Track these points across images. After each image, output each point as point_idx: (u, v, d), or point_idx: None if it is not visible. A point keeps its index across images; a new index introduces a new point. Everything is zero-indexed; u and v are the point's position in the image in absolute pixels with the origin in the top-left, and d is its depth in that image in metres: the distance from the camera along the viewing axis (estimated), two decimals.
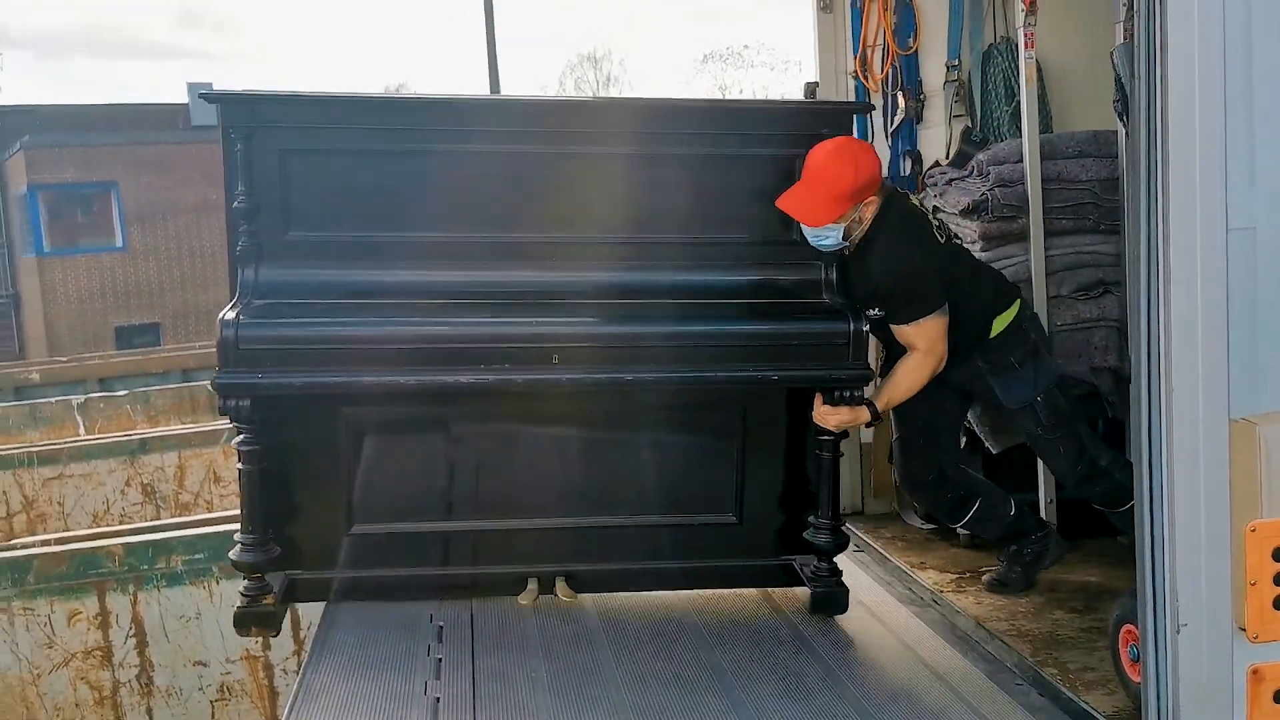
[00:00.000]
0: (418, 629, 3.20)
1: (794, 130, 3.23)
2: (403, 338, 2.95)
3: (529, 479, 3.35)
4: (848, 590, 3.41)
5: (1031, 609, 3.56)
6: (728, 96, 33.31)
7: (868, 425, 3.39)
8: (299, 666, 4.43)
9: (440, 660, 2.98)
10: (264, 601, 3.12)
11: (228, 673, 4.40)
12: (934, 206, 4.31)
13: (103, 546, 4.33)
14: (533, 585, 3.33)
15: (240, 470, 3.08)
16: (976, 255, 4.03)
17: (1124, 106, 3.36)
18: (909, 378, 3.26)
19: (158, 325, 29.43)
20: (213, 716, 4.39)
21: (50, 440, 8.11)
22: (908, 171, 4.56)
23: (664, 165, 3.23)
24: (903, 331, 3.24)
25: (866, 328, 3.16)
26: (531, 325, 2.98)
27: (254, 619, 3.13)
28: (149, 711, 4.34)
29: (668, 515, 3.39)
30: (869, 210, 3.19)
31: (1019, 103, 3.92)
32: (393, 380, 2.96)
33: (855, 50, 4.55)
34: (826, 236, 3.17)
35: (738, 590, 3.55)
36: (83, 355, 17.79)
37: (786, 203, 3.14)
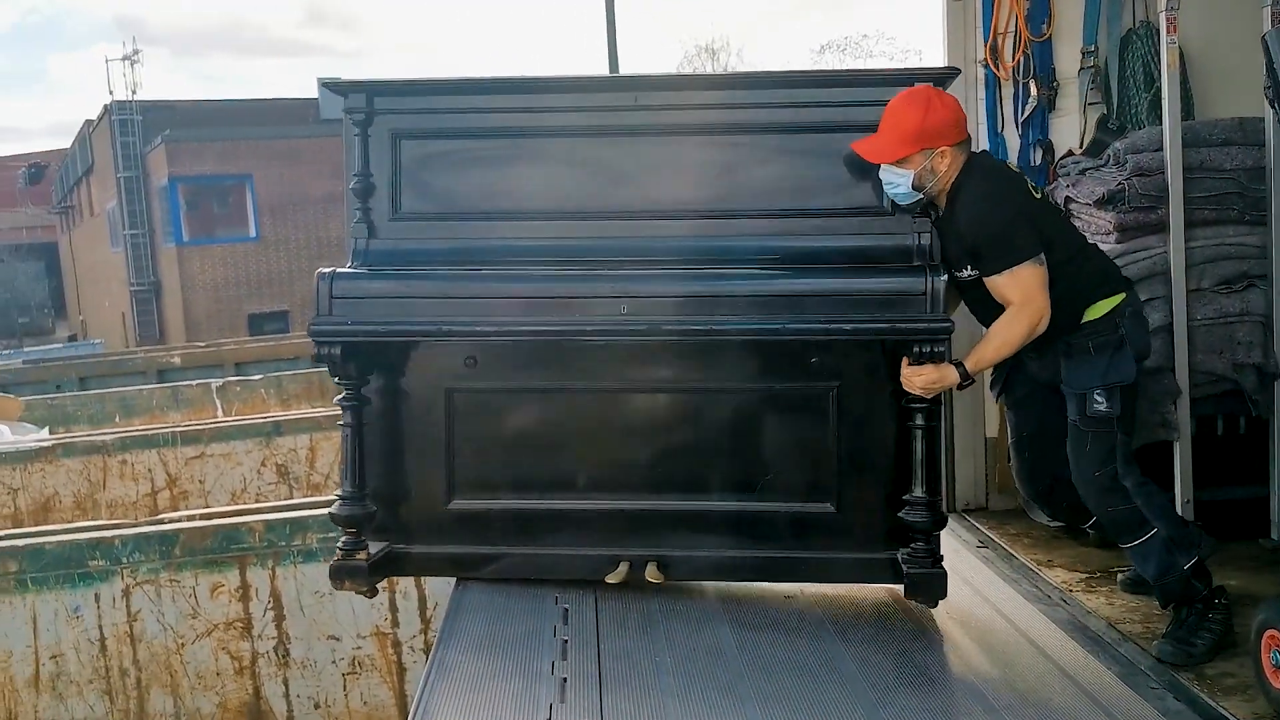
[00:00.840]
0: (543, 611, 3.27)
1: (884, 98, 3.13)
2: (484, 292, 3.07)
3: (623, 460, 3.36)
4: (945, 575, 3.23)
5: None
6: None
7: (959, 387, 3.18)
8: (426, 645, 4.58)
9: (566, 642, 3.04)
10: (358, 557, 3.24)
11: (359, 647, 4.55)
12: (1066, 197, 4.21)
13: (244, 523, 4.53)
14: (623, 566, 3.31)
15: (341, 425, 3.23)
16: (1110, 247, 3.93)
17: (1275, 93, 3.24)
18: (1002, 332, 3.10)
19: (287, 313, 30.47)
20: (344, 689, 4.56)
21: (191, 421, 8.49)
22: (1039, 161, 4.46)
23: (759, 137, 3.26)
24: (995, 284, 3.09)
25: (944, 278, 3.04)
26: (607, 281, 3.05)
27: (348, 573, 3.25)
28: (285, 682, 4.53)
29: (762, 502, 3.32)
30: (943, 162, 3.08)
31: (1159, 89, 3.80)
32: (471, 330, 3.07)
33: (986, 38, 4.46)
34: (896, 184, 3.10)
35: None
36: (219, 341, 18.53)
37: (860, 144, 3.11)
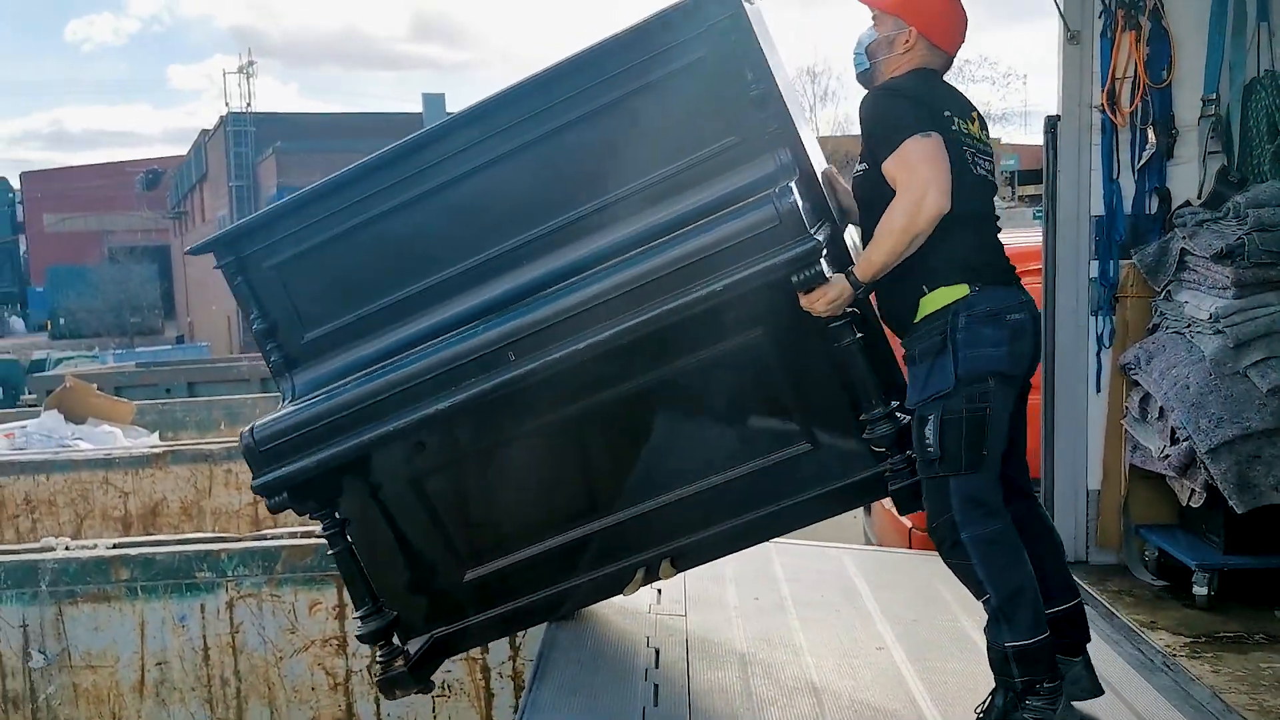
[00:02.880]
0: (635, 650, 3.29)
1: (669, 45, 2.96)
2: (400, 381, 3.02)
3: (600, 477, 3.30)
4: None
5: (1276, 681, 3.35)
6: None
7: (859, 295, 2.85)
8: (515, 672, 4.63)
9: (657, 687, 3.05)
10: (396, 665, 3.25)
11: (448, 670, 4.61)
12: (1181, 249, 4.11)
13: None
14: (638, 575, 3.25)
15: (330, 553, 3.27)
16: (1227, 302, 3.82)
17: None
18: (884, 222, 2.77)
19: None
20: (433, 711, 4.62)
21: None
22: (1154, 210, 4.36)
23: (574, 133, 3.08)
24: (886, 170, 2.80)
25: (792, 198, 2.78)
26: (488, 330, 2.98)
27: (395, 683, 3.26)
28: (376, 700, 4.61)
29: (745, 464, 3.17)
30: (902, 42, 2.93)
31: None
32: (400, 427, 3.02)
33: (1104, 83, 4.38)
34: (860, 43, 3.01)
35: (947, 635, 3.48)
36: None
37: None
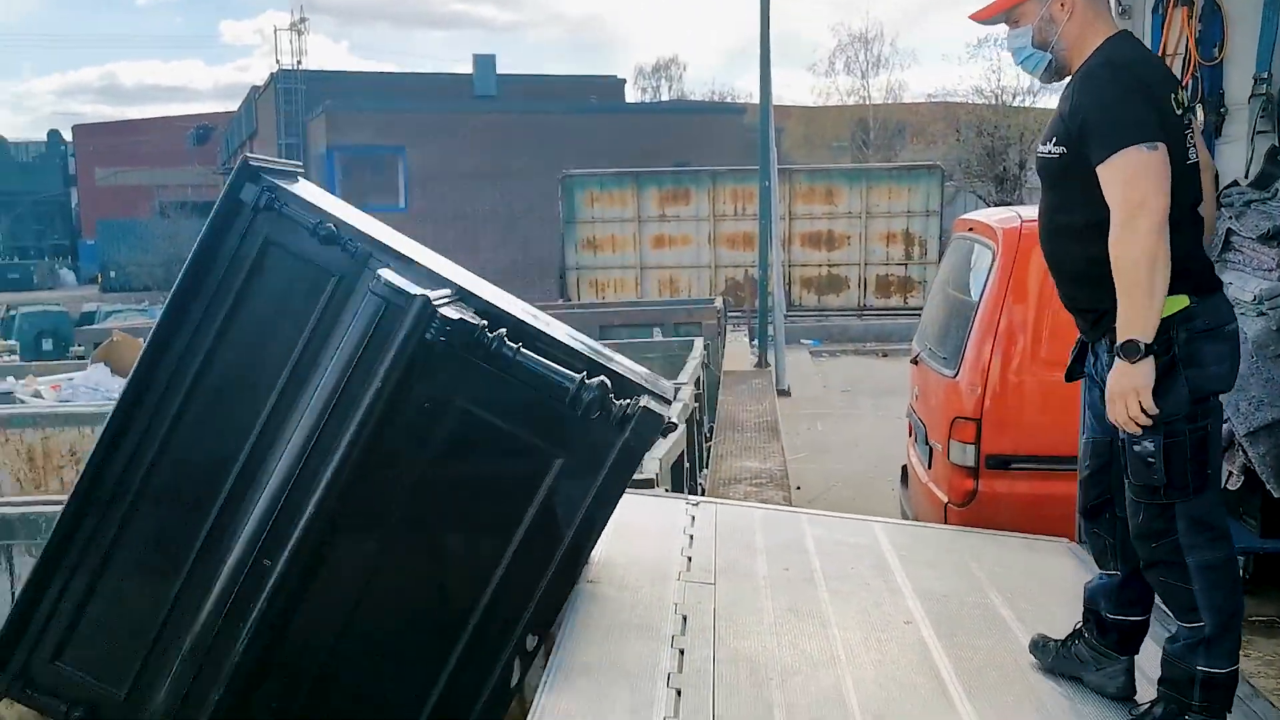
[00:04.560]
0: (663, 616, 3.32)
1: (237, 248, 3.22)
2: None
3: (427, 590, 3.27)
4: None
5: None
6: (999, 78, 31.91)
7: (1154, 351, 2.55)
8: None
9: (682, 653, 3.08)
10: None
11: None
12: (1228, 229, 4.05)
13: None
14: (515, 663, 3.22)
15: None
16: (1272, 284, 3.77)
17: None
18: (1116, 262, 2.54)
19: None
20: None
21: None
22: None
23: (225, 347, 3.25)
24: (1100, 172, 2.60)
25: (383, 281, 2.91)
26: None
27: None
28: None
29: (532, 505, 3.16)
30: (1062, 11, 2.76)
31: None
32: None
33: None
34: (1022, 49, 2.81)
35: (978, 612, 3.46)
36: None
37: (976, 12, 2.91)
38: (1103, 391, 2.79)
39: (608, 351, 3.63)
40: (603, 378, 3.10)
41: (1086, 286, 2.84)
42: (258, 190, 3.15)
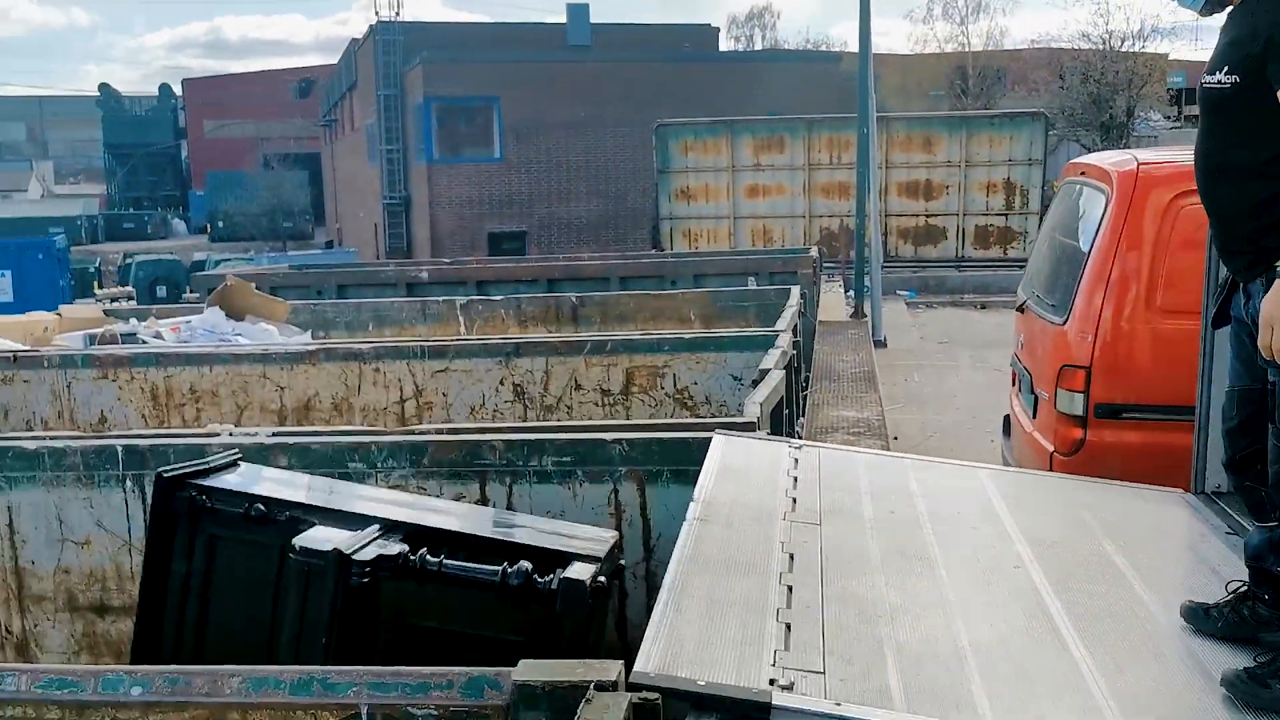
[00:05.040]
0: (769, 551, 3.35)
1: None
2: None
3: None
4: None
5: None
6: (1107, 21, 30.78)
7: None
8: (648, 573, 4.75)
9: (790, 589, 3.10)
10: None
11: None
12: None
13: (486, 440, 4.79)
14: None
15: None
16: None
17: None
18: None
19: (525, 233, 31.54)
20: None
21: (437, 336, 8.98)
22: None
23: None
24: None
25: None
26: None
27: None
28: None
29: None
30: None
31: None
32: None
33: None
34: None
35: (1091, 559, 3.41)
36: (462, 258, 19.40)
37: None
38: (1253, 334, 2.70)
39: (539, 526, 3.98)
40: (523, 563, 3.29)
41: (1250, 227, 2.72)
42: (185, 498, 3.52)
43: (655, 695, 2.02)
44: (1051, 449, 5.49)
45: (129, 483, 4.88)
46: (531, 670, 2.03)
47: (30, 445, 4.95)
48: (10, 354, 7.76)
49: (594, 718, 1.86)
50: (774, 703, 2.30)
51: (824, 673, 2.51)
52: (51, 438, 5.07)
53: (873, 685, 2.48)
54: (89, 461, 4.90)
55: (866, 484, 4.12)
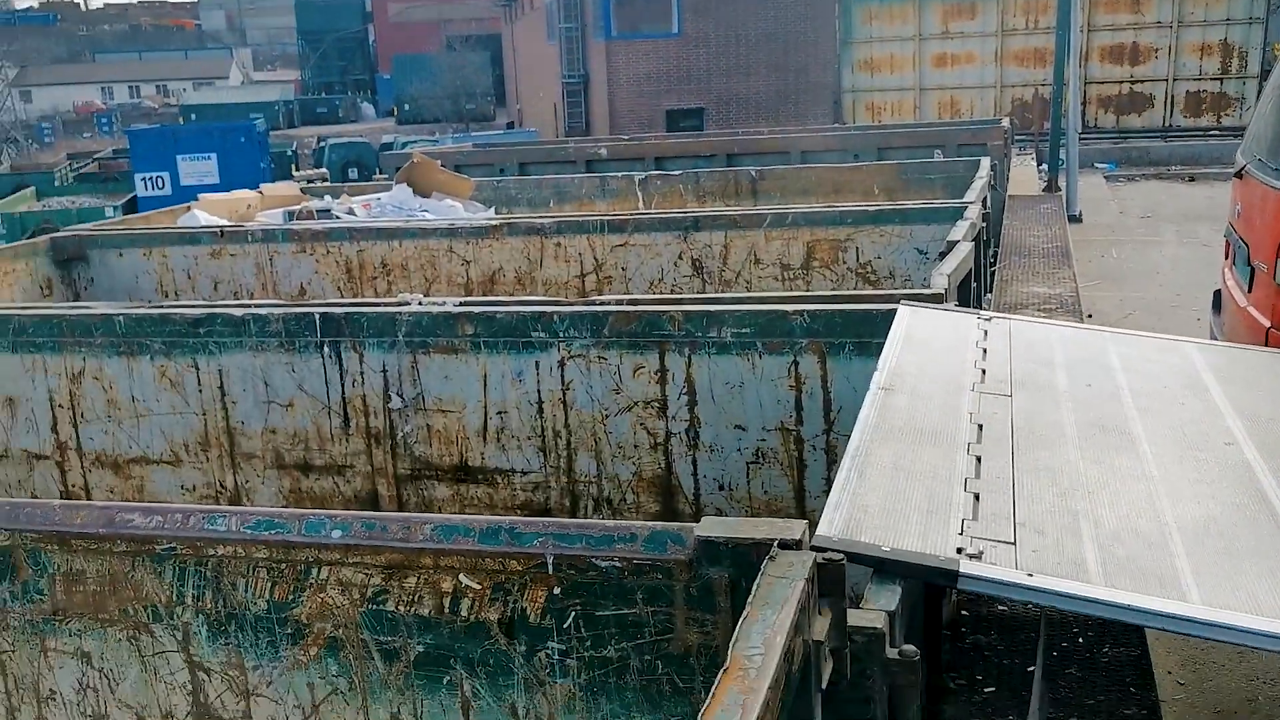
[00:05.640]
0: (958, 421, 3.24)
1: None
2: None
3: None
4: None
5: None
6: None
7: None
8: (828, 445, 4.71)
9: (979, 460, 3.00)
10: None
11: (763, 440, 4.76)
12: None
13: (665, 311, 4.79)
14: None
15: None
16: None
17: None
18: None
19: (703, 110, 31.11)
20: (747, 476, 4.81)
21: (616, 211, 9.00)
22: None
23: None
24: None
25: None
26: None
27: None
28: (694, 462, 4.84)
29: None
30: None
31: None
32: None
33: None
34: None
35: None
36: (640, 135, 19.29)
37: None
38: None
39: None
40: None
41: None
42: None
43: (840, 555, 1.98)
44: (1268, 324, 5.10)
45: (326, 349, 5.11)
46: (715, 526, 2.02)
47: (238, 312, 5.23)
48: (218, 229, 8.19)
49: (777, 575, 1.84)
50: (961, 570, 2.24)
51: (1014, 544, 2.42)
52: (256, 305, 5.33)
53: (1067, 558, 2.38)
54: (290, 328, 5.15)
55: (1061, 357, 3.93)
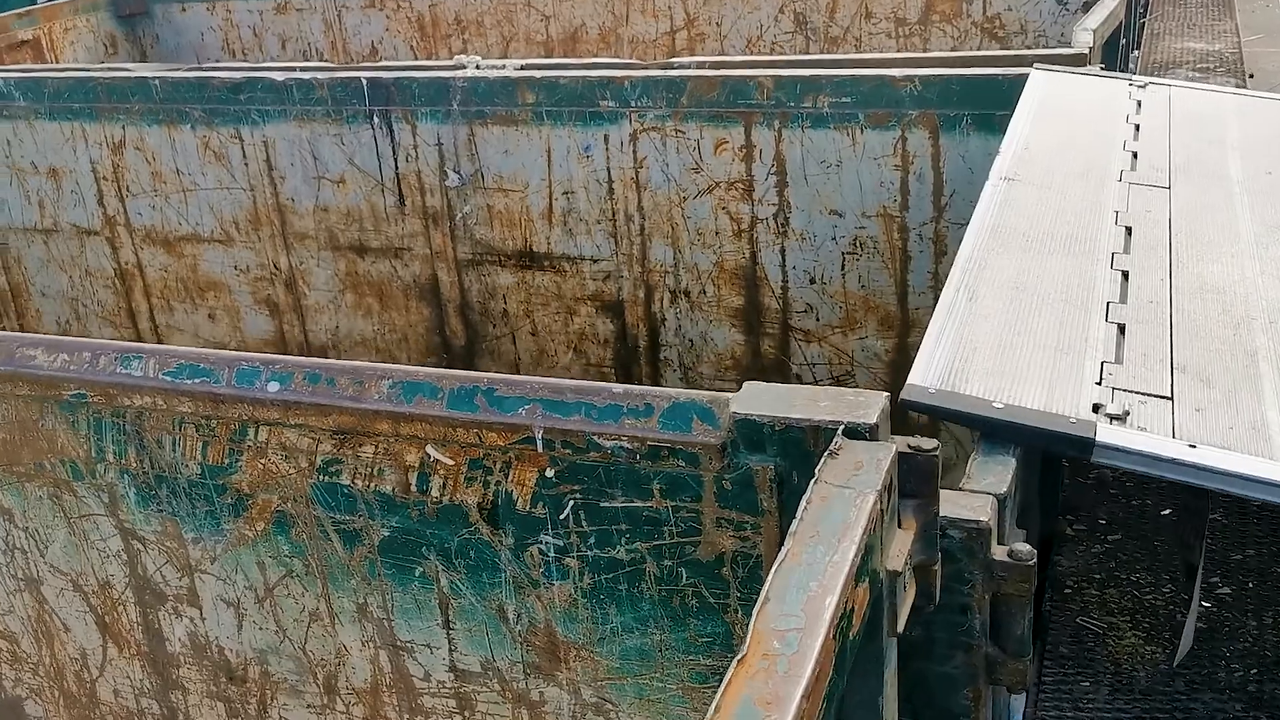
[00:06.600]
0: (1100, 220, 2.62)
1: None
2: None
3: None
4: None
5: None
6: None
7: None
8: (936, 234, 4.11)
9: (1125, 275, 2.40)
10: None
11: (862, 228, 4.17)
12: None
13: (752, 76, 4.12)
14: None
15: None
16: None
17: None
18: None
19: None
20: (842, 267, 4.25)
21: None
22: None
23: None
24: None
25: None
26: None
27: None
28: (782, 251, 4.29)
29: None
30: None
31: None
32: None
33: None
34: None
35: None
36: None
37: None
38: None
39: None
40: None
41: None
42: None
43: (933, 446, 1.44)
44: None
45: (375, 119, 4.60)
46: (757, 398, 1.49)
47: (279, 77, 4.73)
48: None
49: (838, 483, 1.29)
50: (1098, 439, 1.69)
51: (1172, 398, 1.85)
52: (301, 69, 4.81)
53: (1243, 420, 1.81)
54: (335, 95, 4.65)
55: (1235, 135, 3.20)
